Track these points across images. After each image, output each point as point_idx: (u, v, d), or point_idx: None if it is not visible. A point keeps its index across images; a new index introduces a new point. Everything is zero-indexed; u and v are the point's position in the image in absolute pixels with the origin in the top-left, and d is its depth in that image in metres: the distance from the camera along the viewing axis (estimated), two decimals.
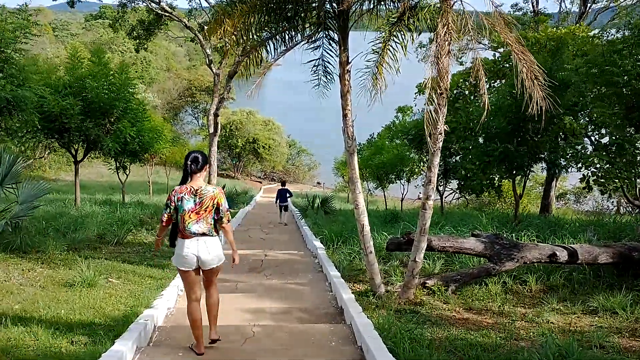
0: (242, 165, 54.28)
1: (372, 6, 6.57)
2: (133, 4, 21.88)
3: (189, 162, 4.72)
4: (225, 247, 4.96)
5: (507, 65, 16.48)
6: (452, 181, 19.73)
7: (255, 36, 6.68)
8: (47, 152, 37.51)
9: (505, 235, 8.80)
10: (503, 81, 17.68)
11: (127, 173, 20.20)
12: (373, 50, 5.99)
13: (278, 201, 16.69)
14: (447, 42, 5.91)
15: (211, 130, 21.09)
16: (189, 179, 4.76)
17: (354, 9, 6.58)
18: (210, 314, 4.95)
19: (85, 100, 14.57)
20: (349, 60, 6.73)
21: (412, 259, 7.17)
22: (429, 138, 6.71)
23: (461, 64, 20.79)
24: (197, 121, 61.51)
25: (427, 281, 7.61)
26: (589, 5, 23.75)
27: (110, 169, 20.22)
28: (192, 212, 4.64)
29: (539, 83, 6.06)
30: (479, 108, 15.32)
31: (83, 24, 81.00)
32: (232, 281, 7.92)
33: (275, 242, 13.35)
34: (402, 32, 5.95)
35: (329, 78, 7.11)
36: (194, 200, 4.66)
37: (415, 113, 23.80)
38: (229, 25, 6.03)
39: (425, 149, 17.49)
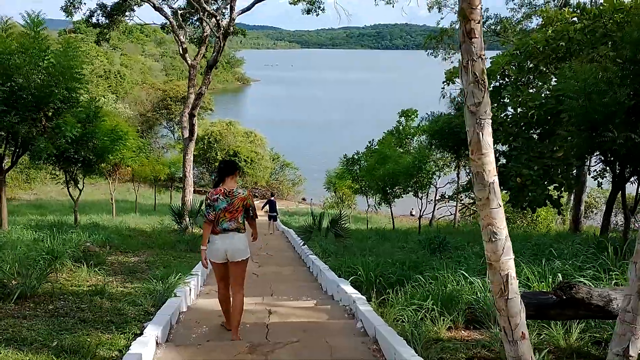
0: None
1: None
2: None
3: (222, 167, 5.45)
4: None
5: (563, 44, 12.90)
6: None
7: None
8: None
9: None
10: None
11: (80, 188, 16.04)
12: None
13: (268, 211, 20.46)
14: None
15: (186, 134, 17.14)
16: (222, 183, 5.38)
17: None
18: (233, 317, 5.25)
19: (10, 86, 10.52)
20: None
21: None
22: None
23: (503, 43, 17.19)
24: (173, 134, 57.61)
25: None
26: None
27: (57, 182, 16.03)
28: (225, 211, 5.27)
29: None
30: (537, 95, 11.70)
31: (56, 39, 76.19)
32: None
33: (276, 281, 9.43)
34: None
35: None
36: (227, 201, 5.28)
37: (435, 113, 20.19)
38: None
39: (462, 150, 13.79)
